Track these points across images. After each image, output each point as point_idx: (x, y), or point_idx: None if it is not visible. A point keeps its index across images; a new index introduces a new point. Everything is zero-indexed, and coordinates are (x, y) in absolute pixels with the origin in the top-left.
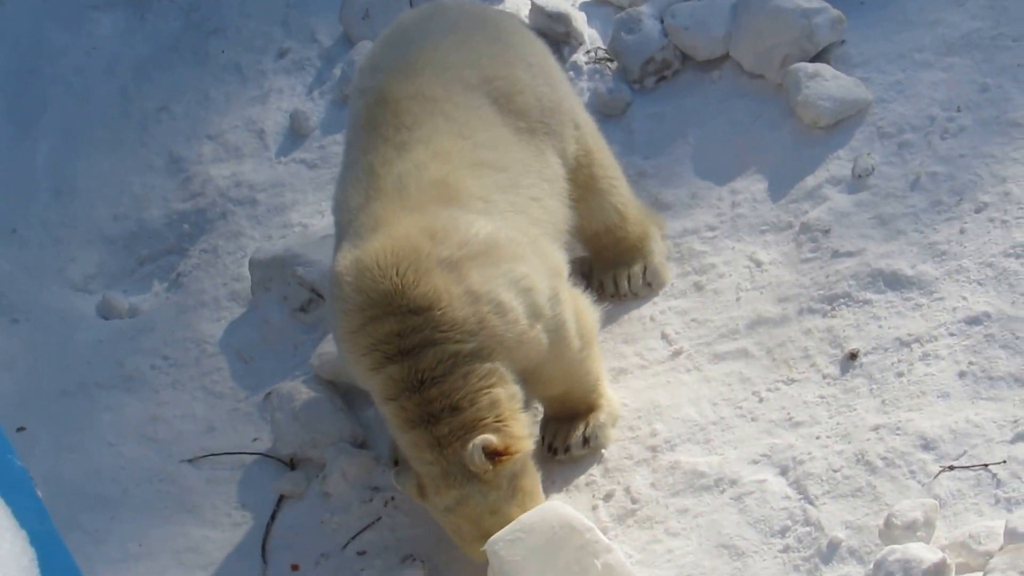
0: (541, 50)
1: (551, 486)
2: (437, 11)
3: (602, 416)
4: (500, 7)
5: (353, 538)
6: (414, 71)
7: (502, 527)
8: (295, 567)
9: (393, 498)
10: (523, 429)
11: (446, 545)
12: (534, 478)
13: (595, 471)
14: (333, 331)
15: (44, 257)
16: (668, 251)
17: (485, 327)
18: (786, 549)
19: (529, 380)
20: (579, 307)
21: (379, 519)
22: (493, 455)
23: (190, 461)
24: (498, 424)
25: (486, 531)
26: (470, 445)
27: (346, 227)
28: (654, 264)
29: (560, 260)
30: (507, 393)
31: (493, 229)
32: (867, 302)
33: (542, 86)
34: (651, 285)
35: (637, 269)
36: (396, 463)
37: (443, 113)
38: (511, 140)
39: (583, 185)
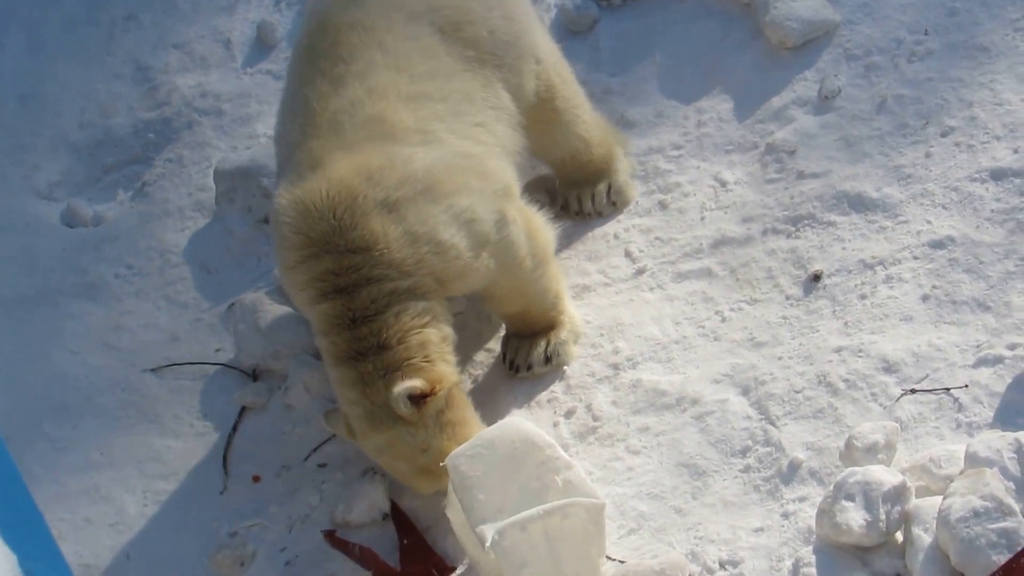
0: None
1: (512, 402)
2: None
3: (563, 333)
4: None
5: (314, 450)
6: (356, 1)
7: (437, 462)
8: (256, 478)
9: None
10: (448, 367)
11: None
12: (463, 408)
13: (556, 388)
14: (276, 262)
15: (8, 164)
16: (633, 169)
17: (423, 266)
18: (747, 469)
19: (484, 298)
20: (532, 226)
21: (333, 435)
22: (419, 399)
23: (153, 371)
24: (424, 363)
25: (422, 468)
26: (395, 391)
27: (284, 162)
28: (619, 183)
29: (508, 179)
30: (439, 334)
31: (431, 162)
32: (831, 224)
33: (497, 19)
34: (615, 204)
35: (602, 188)
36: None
37: (380, 45)
38: (454, 70)
39: (545, 119)
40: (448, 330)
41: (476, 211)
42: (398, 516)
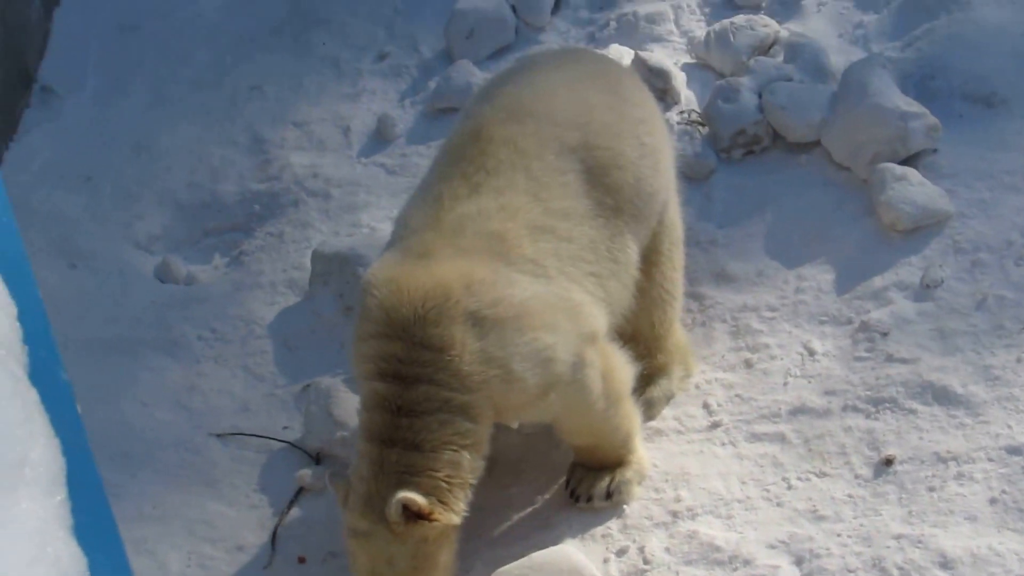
0: (660, 131)
1: (567, 531)
2: (569, 59)
3: (629, 472)
4: (605, 53)
5: None
6: (517, 116)
7: None
8: (302, 559)
9: None
10: (458, 503)
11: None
12: (447, 552)
13: (613, 525)
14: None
15: (113, 210)
16: (685, 390)
17: (485, 388)
18: None
19: (555, 427)
20: (610, 366)
21: None
22: (413, 515)
23: (218, 436)
24: (442, 484)
25: (376, 571)
26: (397, 495)
27: (395, 241)
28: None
29: (598, 325)
30: (471, 463)
31: (531, 294)
32: (912, 411)
33: (646, 168)
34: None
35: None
36: None
37: (526, 169)
38: (588, 214)
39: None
40: (480, 464)
41: (556, 351)
42: None
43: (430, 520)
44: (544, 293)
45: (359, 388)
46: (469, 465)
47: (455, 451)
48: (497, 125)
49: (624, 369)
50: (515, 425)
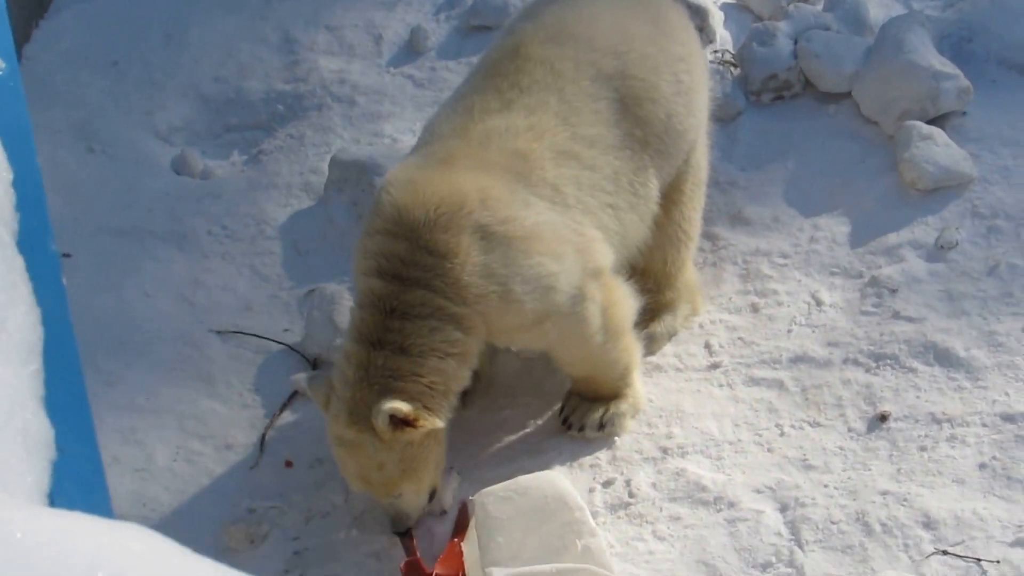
0: (700, 70)
1: (556, 457)
2: None
3: (624, 405)
4: None
5: None
6: (557, 38)
7: (383, 484)
8: (289, 463)
9: None
10: (442, 409)
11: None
12: (435, 452)
13: (602, 455)
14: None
15: (137, 97)
16: (689, 326)
17: (481, 303)
18: None
19: (551, 356)
20: (612, 300)
21: None
22: (400, 422)
23: (218, 333)
24: (427, 390)
25: (365, 476)
26: (382, 405)
27: (421, 146)
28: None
29: (604, 261)
30: (458, 372)
31: (544, 220)
32: (912, 370)
33: (680, 105)
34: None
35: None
36: None
37: (560, 91)
38: (615, 144)
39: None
40: (467, 374)
41: (559, 280)
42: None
43: (415, 427)
44: (556, 221)
45: (355, 286)
46: (454, 373)
47: (441, 358)
48: (536, 44)
49: (626, 304)
50: (515, 348)
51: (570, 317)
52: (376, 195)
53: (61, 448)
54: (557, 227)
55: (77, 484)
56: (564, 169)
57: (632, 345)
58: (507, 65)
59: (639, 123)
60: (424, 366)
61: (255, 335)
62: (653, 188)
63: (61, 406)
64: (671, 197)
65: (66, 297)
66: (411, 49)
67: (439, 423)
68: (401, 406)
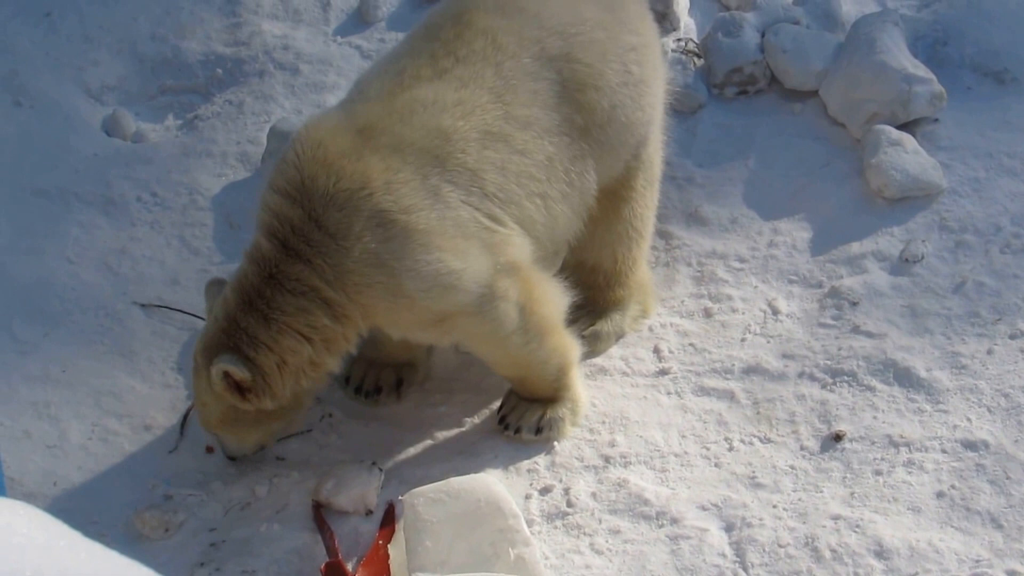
0: (652, 64)
1: (492, 460)
2: None
3: (562, 409)
4: None
5: (277, 441)
6: (504, 9)
7: (204, 418)
8: (210, 449)
9: (331, 415)
10: (281, 389)
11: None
12: (267, 425)
13: (540, 460)
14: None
15: (69, 51)
16: (628, 327)
17: (363, 295)
18: None
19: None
20: (534, 298)
21: (309, 431)
22: (234, 385)
23: (142, 306)
24: (274, 368)
25: (200, 404)
26: (222, 363)
27: (347, 102)
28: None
29: (519, 255)
30: (319, 357)
31: (451, 213)
32: (870, 388)
33: (626, 97)
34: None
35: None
36: (347, 380)
37: (497, 65)
38: (553, 129)
39: (602, 212)
40: (330, 362)
41: (461, 280)
42: (321, 524)
43: (242, 398)
44: (465, 217)
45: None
46: (314, 358)
47: (299, 341)
48: (481, 13)
49: (551, 301)
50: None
51: (478, 316)
52: (286, 146)
53: None
54: (464, 221)
55: None
56: (489, 152)
57: (564, 344)
58: (447, 31)
59: (580, 110)
60: (279, 343)
61: (181, 311)
62: (590, 180)
63: None
64: (621, 193)
65: None
66: (360, 18)
67: (267, 404)
68: (236, 371)
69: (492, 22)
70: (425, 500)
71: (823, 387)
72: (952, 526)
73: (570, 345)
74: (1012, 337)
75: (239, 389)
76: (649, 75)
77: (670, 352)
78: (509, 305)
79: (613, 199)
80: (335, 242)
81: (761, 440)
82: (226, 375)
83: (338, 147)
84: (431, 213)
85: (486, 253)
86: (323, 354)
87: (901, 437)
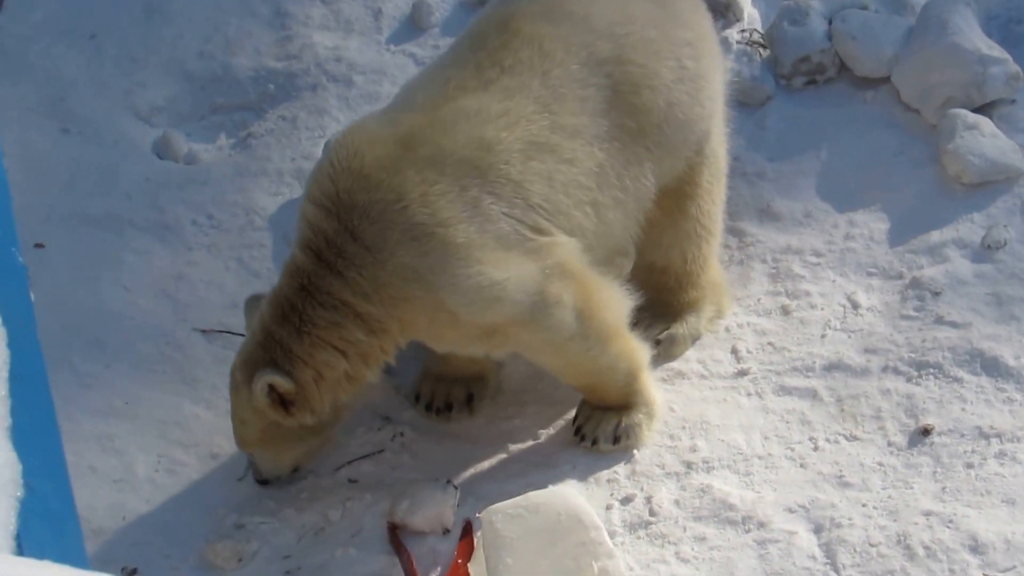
0: (708, 56)
1: (571, 471)
2: None
3: (638, 415)
4: None
5: (348, 463)
6: (551, 15)
7: (240, 436)
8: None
9: (402, 434)
10: (319, 404)
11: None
12: (305, 442)
13: (620, 470)
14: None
15: (115, 75)
16: (716, 332)
17: (399, 307)
18: None
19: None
20: (592, 303)
21: (381, 451)
22: (279, 400)
23: (203, 332)
24: (311, 383)
25: (232, 419)
26: (261, 374)
27: (391, 107)
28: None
29: (567, 259)
30: (355, 371)
31: (490, 226)
32: (957, 380)
33: (683, 93)
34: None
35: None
36: (417, 398)
37: (544, 74)
38: (603, 135)
39: (667, 212)
40: (369, 374)
41: (506, 291)
42: (398, 546)
43: (289, 413)
44: (505, 229)
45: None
46: (347, 372)
47: (334, 354)
48: (527, 20)
49: (612, 305)
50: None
51: (532, 325)
52: (325, 151)
53: (29, 484)
54: (505, 233)
55: (47, 524)
56: (534, 163)
57: (630, 348)
58: (492, 40)
59: (634, 113)
60: (314, 357)
61: (243, 335)
62: (647, 183)
63: (29, 437)
64: (686, 191)
65: (34, 316)
66: (413, 25)
67: (308, 419)
68: (282, 383)
69: (538, 29)
70: (503, 516)
71: (908, 380)
72: None
73: (637, 348)
74: None
75: (283, 403)
76: (706, 69)
77: (748, 352)
78: (564, 311)
79: (678, 197)
80: (371, 255)
81: (847, 438)
82: (270, 389)
83: (375, 157)
84: (470, 226)
85: (530, 260)
86: (360, 367)
87: (991, 428)
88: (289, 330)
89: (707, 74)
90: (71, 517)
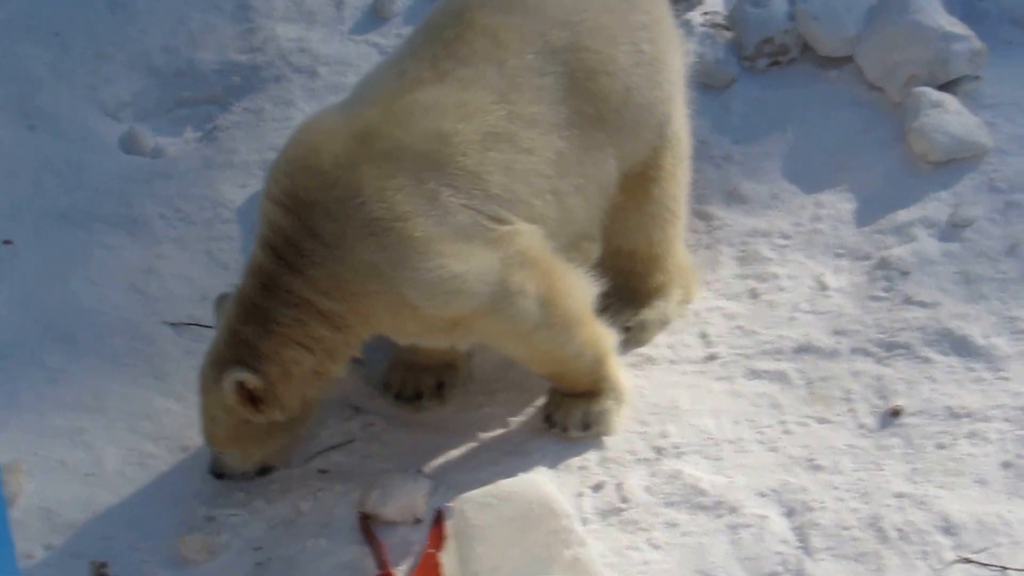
0: (665, 39)
1: (541, 459)
2: None
3: (607, 401)
4: None
5: (319, 454)
6: (505, 5)
7: (209, 434)
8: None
9: (372, 424)
10: (289, 400)
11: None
12: (275, 440)
13: (591, 456)
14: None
15: (81, 70)
16: (675, 313)
17: (360, 303)
18: None
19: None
20: (555, 290)
21: (351, 441)
22: (248, 396)
23: (173, 325)
24: (281, 379)
25: (202, 417)
26: (228, 375)
27: (348, 102)
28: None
29: (529, 247)
30: (321, 365)
31: (449, 219)
32: (927, 360)
33: (641, 77)
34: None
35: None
36: (386, 387)
37: (500, 64)
38: (561, 123)
39: (631, 195)
40: (334, 368)
41: (467, 283)
42: (369, 537)
43: (259, 410)
44: (464, 222)
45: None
46: (313, 369)
47: (299, 351)
48: (482, 10)
49: (576, 292)
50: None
51: (494, 315)
52: (283, 148)
53: None
54: (464, 224)
55: None
56: (492, 154)
57: (597, 335)
58: (448, 31)
59: (592, 99)
60: (280, 354)
61: (212, 327)
62: (609, 167)
63: None
64: (648, 174)
65: None
66: (375, 15)
67: (277, 416)
68: (251, 379)
69: (493, 19)
70: (474, 505)
71: (878, 362)
72: (1020, 496)
73: (603, 334)
74: None
75: (252, 400)
76: (663, 51)
77: (718, 336)
78: (527, 300)
79: (642, 181)
80: (330, 252)
81: (817, 421)
82: (239, 386)
83: (332, 153)
84: (428, 219)
85: (491, 250)
86: (326, 363)
87: (962, 408)
88: (255, 329)
89: (664, 57)
90: (5, 543)
